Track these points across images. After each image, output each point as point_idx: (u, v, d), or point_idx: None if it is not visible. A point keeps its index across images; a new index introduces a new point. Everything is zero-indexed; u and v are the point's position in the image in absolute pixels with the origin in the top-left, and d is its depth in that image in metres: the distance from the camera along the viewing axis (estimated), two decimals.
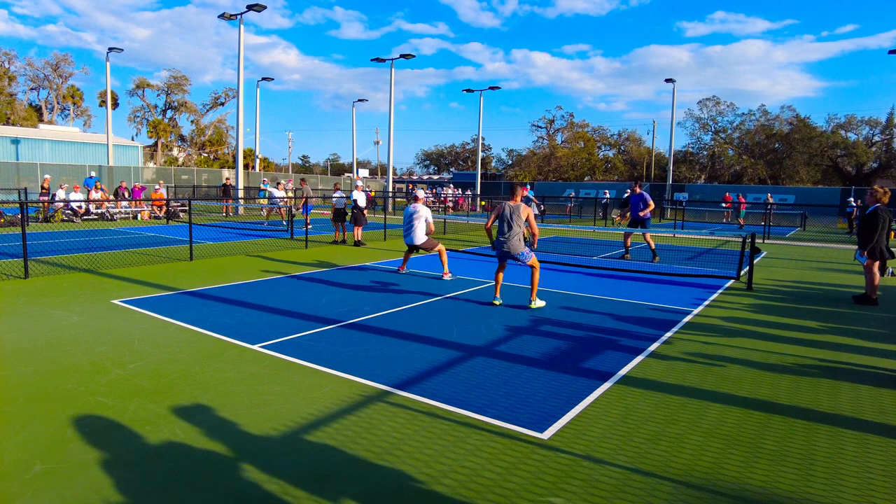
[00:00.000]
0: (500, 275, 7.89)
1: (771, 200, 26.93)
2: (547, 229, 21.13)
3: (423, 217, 9.77)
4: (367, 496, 2.99)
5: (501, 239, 7.49)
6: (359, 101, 47.26)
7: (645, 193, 12.67)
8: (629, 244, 13.49)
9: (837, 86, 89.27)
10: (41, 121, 52.22)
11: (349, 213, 15.42)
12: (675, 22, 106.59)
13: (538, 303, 7.64)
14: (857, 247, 8.63)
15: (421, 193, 10.26)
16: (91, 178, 22.98)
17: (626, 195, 14.80)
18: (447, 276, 9.60)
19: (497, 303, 7.74)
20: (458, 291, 8.65)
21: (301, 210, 18.74)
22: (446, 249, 10.18)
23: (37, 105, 56.71)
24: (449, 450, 3.51)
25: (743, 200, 27.45)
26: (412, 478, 3.18)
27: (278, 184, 24.64)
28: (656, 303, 8.14)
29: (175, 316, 6.69)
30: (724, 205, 30.39)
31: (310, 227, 19.06)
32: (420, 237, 9.74)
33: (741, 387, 4.76)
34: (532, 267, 7.57)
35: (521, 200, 7.60)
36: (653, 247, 12.76)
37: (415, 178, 68.19)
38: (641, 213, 12.63)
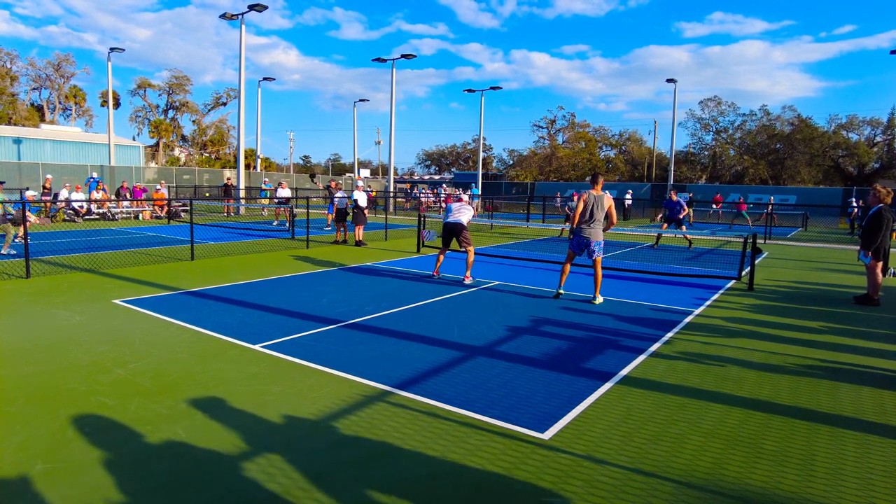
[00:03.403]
0: (568, 266, 8.32)
1: (772, 202, 27.15)
2: (547, 229, 21.10)
3: (468, 211, 9.93)
4: (368, 496, 2.99)
5: (582, 226, 7.89)
6: (360, 101, 47.29)
7: (681, 200, 16.09)
8: (659, 237, 16.81)
9: (837, 86, 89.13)
10: (43, 121, 52.29)
11: (350, 213, 15.42)
12: (674, 22, 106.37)
13: (600, 299, 8.03)
14: (859, 247, 8.62)
15: (465, 196, 10.59)
16: (93, 179, 22.99)
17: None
18: (468, 280, 9.47)
19: (561, 292, 8.27)
20: (459, 292, 8.65)
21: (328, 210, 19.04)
22: (447, 252, 10.12)
23: (39, 105, 56.79)
24: (450, 450, 3.51)
25: (742, 201, 27.67)
26: (413, 478, 3.19)
27: (280, 184, 24.66)
28: (657, 303, 8.14)
29: (176, 316, 6.70)
30: (714, 206, 30.38)
31: (329, 227, 19.11)
32: (465, 218, 9.77)
33: (742, 387, 4.76)
34: (596, 262, 8.02)
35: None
36: (688, 238, 16.07)
37: (416, 178, 68.21)
38: (681, 216, 16.00)
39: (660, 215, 16.90)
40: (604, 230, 8.05)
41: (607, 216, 7.99)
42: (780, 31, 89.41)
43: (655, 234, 16.69)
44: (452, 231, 9.73)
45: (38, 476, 3.11)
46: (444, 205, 34.18)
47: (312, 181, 37.81)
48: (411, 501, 2.96)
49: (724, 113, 53.33)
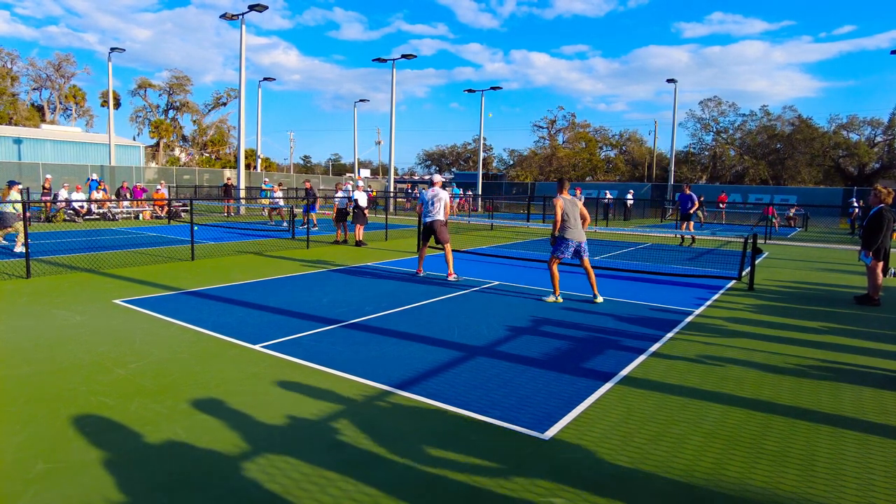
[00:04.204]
0: (557, 270, 8.21)
1: (792, 211, 27.92)
2: (548, 230, 21.08)
3: (443, 199, 9.80)
4: (369, 496, 2.99)
5: (571, 229, 7.90)
6: (360, 101, 47.28)
7: (692, 194, 16.79)
8: (683, 234, 16.84)
9: (837, 86, 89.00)
10: (43, 121, 52.31)
11: (350, 213, 15.43)
12: (673, 23, 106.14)
13: (600, 298, 8.06)
14: (860, 248, 8.61)
15: (438, 178, 10.25)
16: (94, 180, 23.00)
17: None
18: (452, 278, 9.48)
19: (560, 300, 8.06)
20: (459, 292, 8.64)
21: (304, 210, 18.91)
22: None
23: (39, 105, 56.79)
24: (450, 450, 3.51)
25: (769, 203, 28.25)
26: (414, 478, 3.18)
27: (279, 184, 24.71)
28: (657, 303, 8.13)
29: (176, 316, 6.70)
30: (720, 206, 30.42)
31: (316, 227, 19.16)
32: (442, 214, 9.69)
33: (743, 387, 4.75)
34: (586, 262, 8.03)
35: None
36: (693, 234, 16.29)
37: (416, 178, 68.17)
38: (691, 211, 16.61)
39: (671, 213, 17.48)
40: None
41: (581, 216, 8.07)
42: (779, 32, 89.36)
43: (680, 236, 17.09)
44: (431, 229, 9.75)
45: (38, 476, 3.11)
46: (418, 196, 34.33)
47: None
48: (411, 502, 2.96)
49: (724, 113, 53.32)
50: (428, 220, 9.79)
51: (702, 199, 29.32)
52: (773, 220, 26.35)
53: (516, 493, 3.05)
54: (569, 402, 4.30)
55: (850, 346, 6.12)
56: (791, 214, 28.66)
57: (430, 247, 10.25)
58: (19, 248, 12.08)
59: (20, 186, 13.04)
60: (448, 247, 9.74)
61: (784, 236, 22.22)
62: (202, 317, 6.69)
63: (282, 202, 21.96)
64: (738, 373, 5.12)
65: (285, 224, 20.68)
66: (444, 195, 9.85)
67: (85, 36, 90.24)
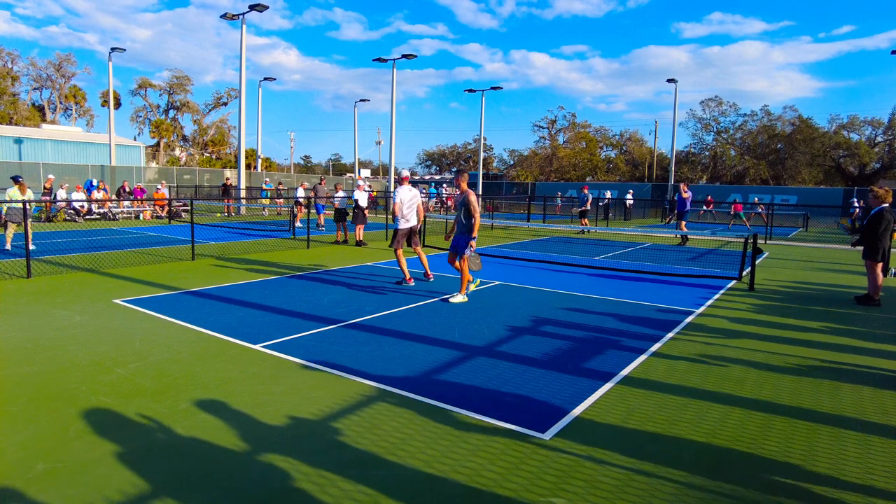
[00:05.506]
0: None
1: (760, 208, 27.83)
2: (547, 229, 21.10)
3: (419, 201, 9.03)
4: (368, 496, 2.99)
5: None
6: (360, 101, 47.30)
7: (689, 192, 17.26)
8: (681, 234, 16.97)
9: (836, 86, 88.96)
10: (44, 121, 52.32)
11: (350, 213, 15.43)
12: (673, 23, 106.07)
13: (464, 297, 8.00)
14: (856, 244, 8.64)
15: (405, 173, 9.49)
16: (92, 185, 23.02)
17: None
18: (432, 278, 9.36)
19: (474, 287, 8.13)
20: None
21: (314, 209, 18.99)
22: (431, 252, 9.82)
23: (40, 105, 56.82)
24: (450, 450, 3.51)
25: (736, 202, 28.25)
26: (414, 478, 3.19)
27: (302, 184, 24.79)
28: (658, 303, 8.13)
29: (177, 316, 6.70)
30: (704, 207, 30.33)
31: (322, 227, 19.17)
32: (414, 220, 9.02)
33: (743, 387, 4.75)
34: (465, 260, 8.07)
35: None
36: (684, 234, 16.06)
37: (416, 178, 68.16)
38: (686, 210, 17.00)
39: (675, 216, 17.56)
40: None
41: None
42: (778, 32, 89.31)
43: (680, 235, 17.04)
44: (412, 233, 9.05)
45: (39, 475, 3.11)
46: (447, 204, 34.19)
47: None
48: (411, 502, 2.96)
49: (725, 113, 53.35)
50: (408, 224, 8.94)
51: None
52: (743, 219, 26.24)
53: (516, 493, 3.05)
54: (569, 402, 4.31)
55: (850, 346, 6.12)
56: (760, 212, 28.14)
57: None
58: (9, 246, 12.15)
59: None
60: (419, 250, 9.32)
61: (784, 236, 22.20)
62: (202, 316, 6.70)
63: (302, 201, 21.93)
64: (739, 373, 5.12)
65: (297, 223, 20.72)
66: (418, 196, 9.04)
67: (85, 36, 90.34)
